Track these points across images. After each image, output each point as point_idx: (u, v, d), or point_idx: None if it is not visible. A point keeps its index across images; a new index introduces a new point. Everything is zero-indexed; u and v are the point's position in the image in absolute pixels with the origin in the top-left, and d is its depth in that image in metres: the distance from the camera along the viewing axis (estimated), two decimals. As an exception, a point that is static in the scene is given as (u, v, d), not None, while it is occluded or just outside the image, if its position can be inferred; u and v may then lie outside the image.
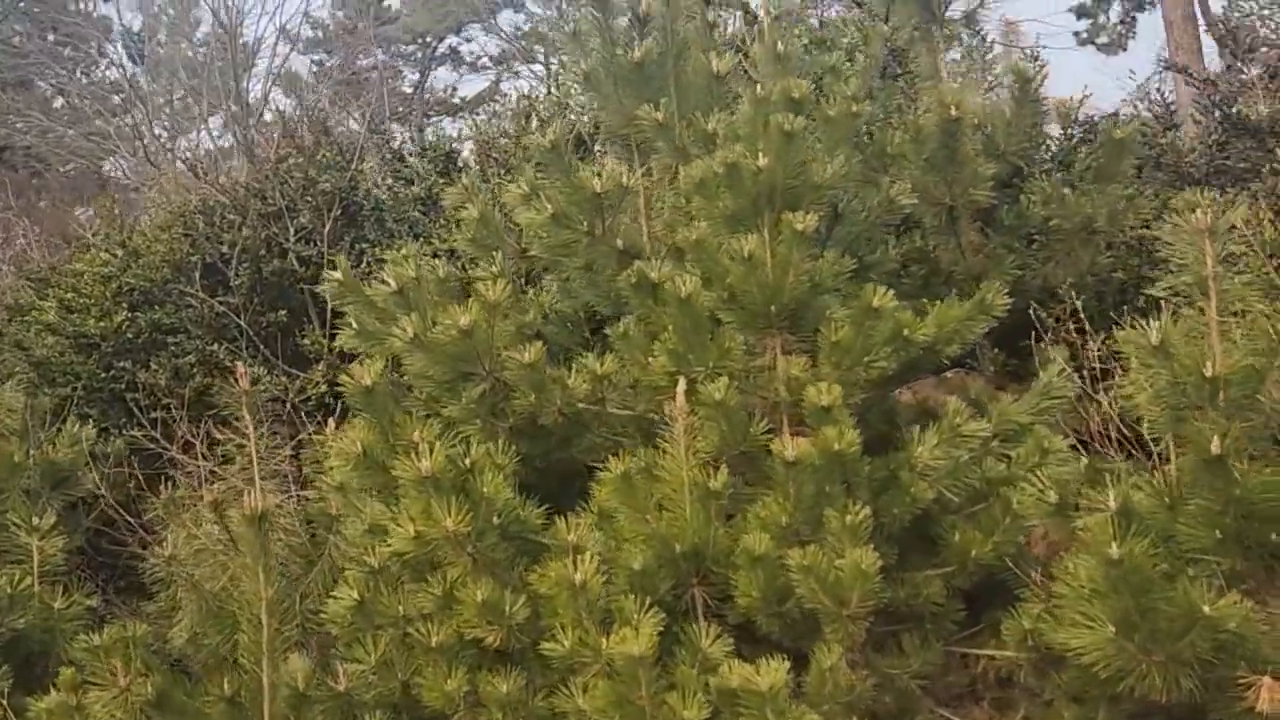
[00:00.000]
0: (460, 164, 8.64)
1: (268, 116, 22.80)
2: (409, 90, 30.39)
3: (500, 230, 6.07)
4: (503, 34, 29.50)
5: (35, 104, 26.96)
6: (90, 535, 7.71)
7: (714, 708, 4.21)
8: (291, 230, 8.23)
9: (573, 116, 8.10)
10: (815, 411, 4.43)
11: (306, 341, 7.98)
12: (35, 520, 6.64)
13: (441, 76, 31.02)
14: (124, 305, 8.29)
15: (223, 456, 7.60)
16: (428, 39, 31.11)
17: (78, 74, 29.90)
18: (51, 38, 29.34)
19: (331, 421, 6.68)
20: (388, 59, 30.06)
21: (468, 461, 4.81)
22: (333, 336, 8.14)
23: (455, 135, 10.57)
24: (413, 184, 8.48)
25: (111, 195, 10.94)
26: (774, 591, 4.40)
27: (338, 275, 5.62)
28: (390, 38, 30.26)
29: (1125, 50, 23.19)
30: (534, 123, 8.55)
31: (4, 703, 5.60)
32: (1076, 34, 23.07)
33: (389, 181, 8.69)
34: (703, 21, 6.03)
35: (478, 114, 22.76)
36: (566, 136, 5.57)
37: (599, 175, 5.35)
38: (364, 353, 5.79)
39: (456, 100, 28.38)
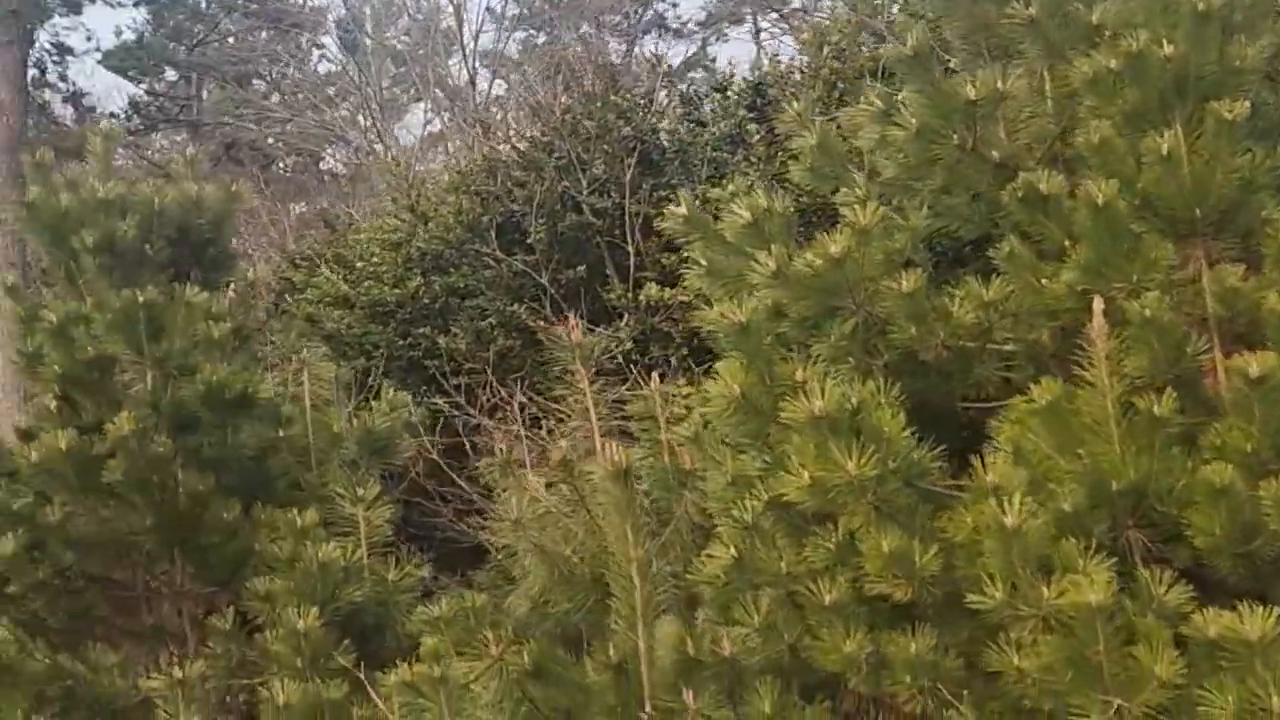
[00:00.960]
0: (769, 99, 8.33)
1: (477, 97, 22.97)
2: (615, 61, 30.29)
3: (841, 157, 5.72)
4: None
5: (255, 100, 27.82)
6: (400, 505, 7.69)
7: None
8: (584, 183, 8.06)
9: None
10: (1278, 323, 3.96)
11: (612, 296, 7.79)
12: (359, 491, 6.63)
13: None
14: (416, 271, 8.25)
15: (532, 419, 7.50)
16: (634, 10, 30.95)
17: (291, 69, 30.68)
18: (265, 34, 30.19)
19: (656, 375, 6.47)
20: (592, 31, 30.09)
21: (854, 401, 4.49)
22: (637, 290, 8.01)
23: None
24: (705, 125, 8.22)
25: (396, 160, 10.99)
26: (1238, 529, 3.94)
27: (682, 211, 5.35)
28: (597, 6, 30.18)
29: None
30: (825, 52, 8.19)
31: (360, 676, 5.52)
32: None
33: (681, 126, 8.43)
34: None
35: (690, 79, 22.48)
36: (929, 44, 5.17)
37: (972, 82, 4.94)
38: (679, 299, 5.54)
39: (663, 69, 28.15)
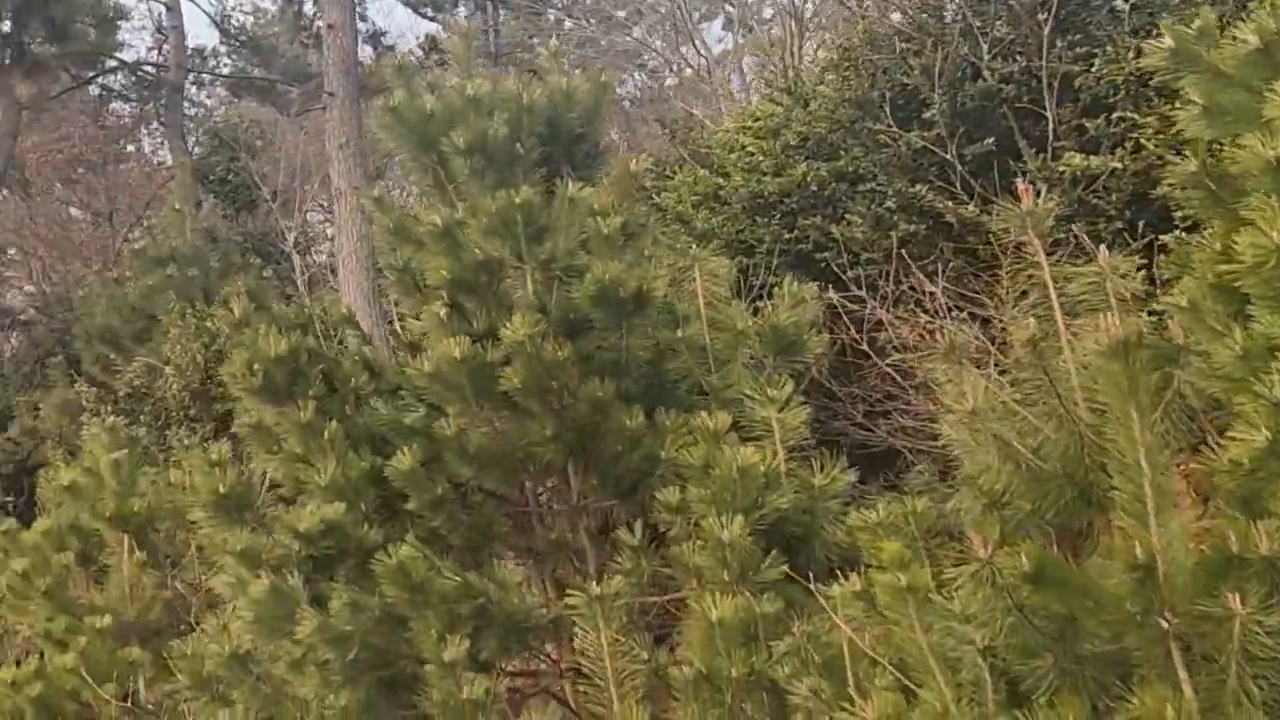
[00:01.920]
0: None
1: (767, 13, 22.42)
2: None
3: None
4: None
5: (548, 28, 28.02)
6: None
7: None
8: (985, 47, 7.48)
9: None
10: None
11: (1031, 168, 7.22)
12: (770, 391, 6.32)
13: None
14: (798, 157, 7.86)
15: (950, 307, 7.03)
16: None
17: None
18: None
19: (1103, 249, 5.92)
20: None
21: None
22: (1054, 161, 7.43)
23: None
24: (1119, -27, 7.53)
25: (771, 41, 10.62)
26: None
27: (1168, 43, 4.76)
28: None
29: None
30: None
31: (814, 587, 5.20)
32: None
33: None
34: None
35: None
36: None
37: None
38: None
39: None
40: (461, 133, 7.25)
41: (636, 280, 6.58)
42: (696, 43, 20.40)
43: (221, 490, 6.88)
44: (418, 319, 7.29)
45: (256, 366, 7.00)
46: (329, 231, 29.38)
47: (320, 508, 6.66)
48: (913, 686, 4.71)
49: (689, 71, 22.50)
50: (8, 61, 21.92)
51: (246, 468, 7.28)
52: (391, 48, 32.21)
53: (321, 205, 28.13)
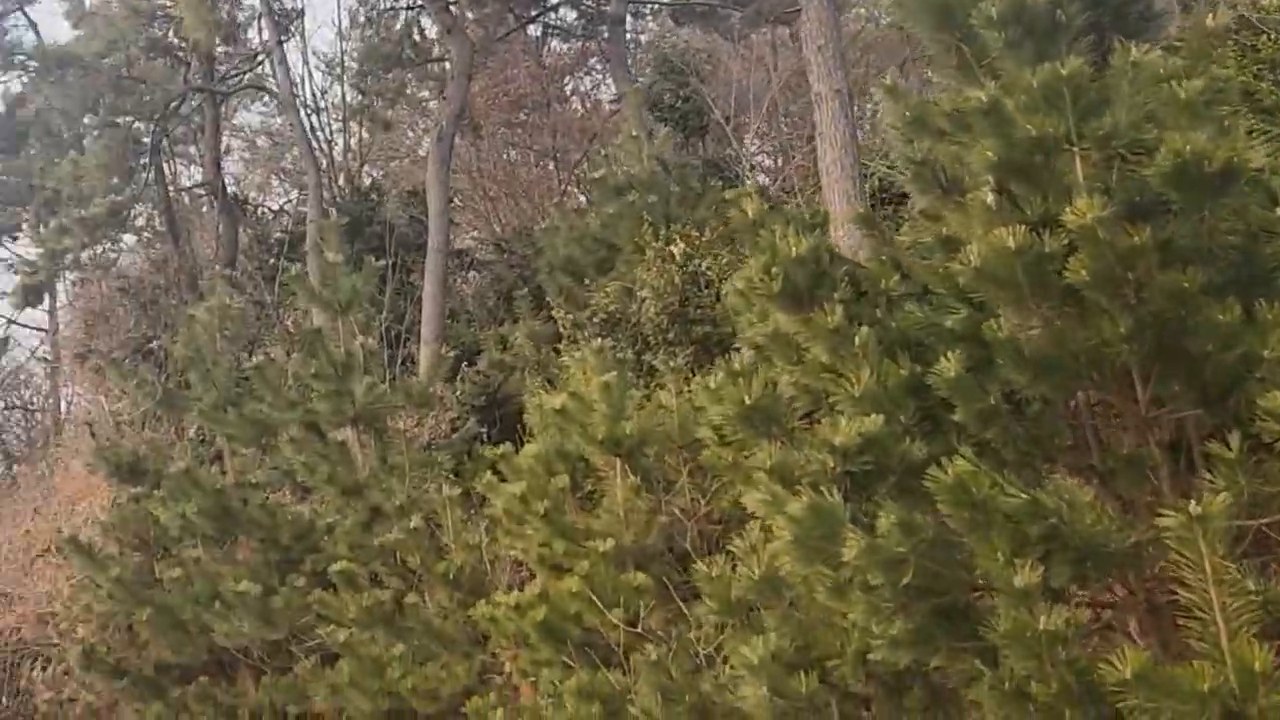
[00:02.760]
0: None
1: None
2: None
3: None
4: None
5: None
6: None
7: None
8: None
9: None
10: None
11: None
12: None
13: None
14: None
15: None
16: None
17: None
18: None
19: None
20: None
21: None
22: None
23: None
24: None
25: None
26: None
27: None
28: None
29: None
30: None
31: None
32: None
33: None
34: None
35: None
36: None
37: None
38: None
39: None
40: (993, 2, 6.56)
41: (1225, 152, 5.75)
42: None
43: (747, 401, 6.53)
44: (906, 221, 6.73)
45: (775, 269, 6.60)
46: (765, 161, 29.07)
47: (856, 420, 6.21)
48: None
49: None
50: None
51: (765, 379, 6.90)
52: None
53: (762, 132, 27.82)
